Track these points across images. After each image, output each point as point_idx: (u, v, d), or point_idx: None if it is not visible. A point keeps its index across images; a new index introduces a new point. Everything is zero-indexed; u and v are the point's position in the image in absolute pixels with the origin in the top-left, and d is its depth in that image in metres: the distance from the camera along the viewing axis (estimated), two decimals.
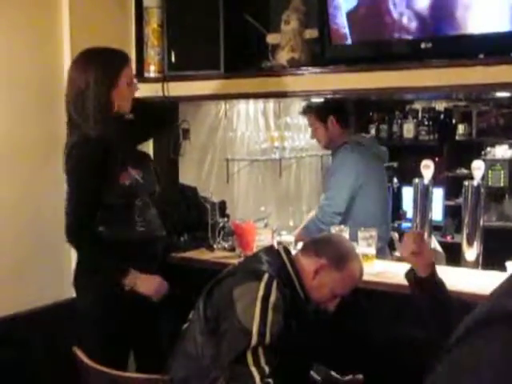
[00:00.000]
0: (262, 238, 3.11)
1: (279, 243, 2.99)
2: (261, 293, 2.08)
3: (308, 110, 3.73)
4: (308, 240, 2.52)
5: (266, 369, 1.99)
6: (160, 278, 2.68)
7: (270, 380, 1.99)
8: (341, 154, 3.55)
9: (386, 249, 3.55)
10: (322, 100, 3.65)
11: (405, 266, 3.00)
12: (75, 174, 2.56)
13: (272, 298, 2.08)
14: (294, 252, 2.47)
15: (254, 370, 1.98)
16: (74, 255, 3.11)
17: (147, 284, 2.62)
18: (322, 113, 3.61)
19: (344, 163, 3.48)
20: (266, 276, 2.14)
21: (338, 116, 3.60)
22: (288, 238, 3.18)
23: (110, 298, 2.61)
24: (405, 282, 2.71)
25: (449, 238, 5.56)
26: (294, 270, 2.27)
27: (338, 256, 2.28)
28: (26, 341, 2.87)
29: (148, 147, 3.56)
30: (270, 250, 2.39)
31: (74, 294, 3.10)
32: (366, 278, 2.78)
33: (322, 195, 3.71)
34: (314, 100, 3.72)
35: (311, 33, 3.03)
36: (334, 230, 3.02)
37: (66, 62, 3.05)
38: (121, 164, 2.59)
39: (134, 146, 2.92)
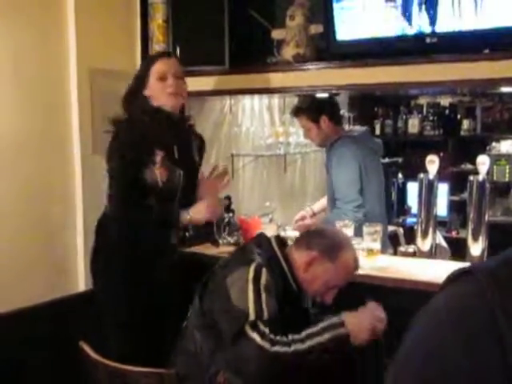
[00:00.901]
0: (267, 233, 3.11)
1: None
2: (251, 275, 2.09)
3: (299, 112, 3.68)
4: (301, 233, 2.51)
5: (267, 330, 1.99)
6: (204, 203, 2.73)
7: (272, 335, 1.98)
8: (339, 150, 3.51)
9: (387, 241, 3.55)
10: (310, 100, 3.64)
11: (409, 262, 3.02)
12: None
13: (262, 280, 2.09)
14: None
15: (254, 335, 1.98)
16: (80, 251, 3.14)
17: (199, 212, 2.68)
18: (314, 113, 3.58)
19: (343, 159, 3.46)
20: (255, 262, 2.16)
21: (330, 114, 3.58)
22: (293, 233, 3.18)
23: (126, 285, 2.70)
24: (409, 277, 2.72)
25: (454, 233, 5.56)
26: (286, 262, 2.26)
27: (330, 247, 2.26)
28: (31, 336, 2.88)
29: None
30: (260, 240, 2.36)
31: (80, 289, 3.14)
32: (370, 272, 2.80)
33: (331, 194, 3.64)
34: (300, 101, 3.73)
35: (316, 28, 3.04)
36: (338, 224, 3.02)
37: (72, 59, 3.07)
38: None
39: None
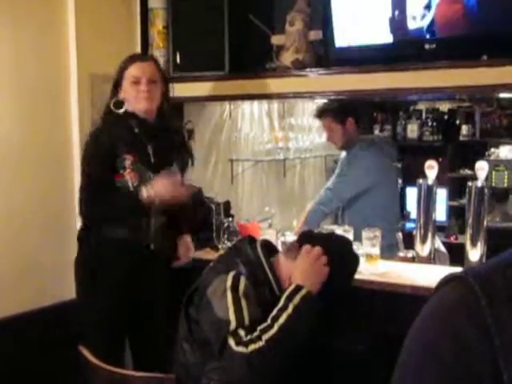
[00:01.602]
0: (266, 238, 3.12)
1: (283, 243, 3.01)
2: (229, 283, 2.03)
3: (325, 113, 3.71)
4: (292, 242, 2.39)
5: (243, 334, 1.93)
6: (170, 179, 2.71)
7: (244, 339, 1.92)
8: (354, 151, 3.60)
9: (395, 247, 3.55)
10: (335, 101, 3.66)
11: (409, 267, 3.02)
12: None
13: (241, 287, 2.03)
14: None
15: (232, 343, 1.92)
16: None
17: (155, 186, 2.65)
18: (340, 114, 3.62)
19: (357, 161, 3.55)
20: (233, 271, 2.09)
21: (355, 116, 3.65)
22: (292, 238, 3.19)
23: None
24: (409, 283, 2.73)
25: (452, 239, 5.56)
26: (272, 271, 2.18)
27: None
28: (28, 340, 2.88)
29: None
30: (243, 247, 2.25)
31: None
32: (370, 278, 2.80)
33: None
34: (322, 102, 3.74)
35: (315, 34, 3.05)
36: (338, 231, 3.02)
37: (72, 64, 3.08)
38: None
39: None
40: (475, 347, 0.70)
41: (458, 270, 0.85)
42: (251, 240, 2.31)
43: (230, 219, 3.51)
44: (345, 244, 2.33)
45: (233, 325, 1.95)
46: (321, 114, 3.74)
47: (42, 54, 2.97)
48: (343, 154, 3.80)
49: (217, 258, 2.34)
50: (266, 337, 1.92)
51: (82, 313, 2.81)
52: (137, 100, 2.72)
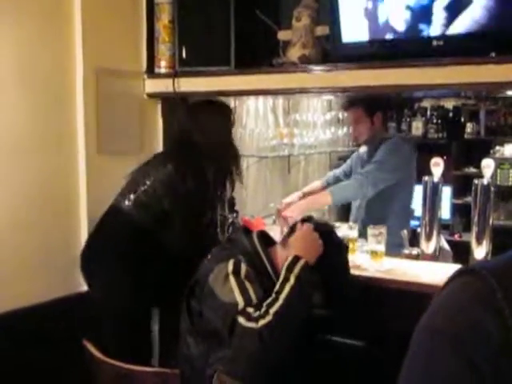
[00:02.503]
0: (271, 234, 3.11)
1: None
2: (230, 268, 2.07)
3: (356, 103, 3.68)
4: (288, 230, 2.39)
5: (252, 311, 1.96)
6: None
7: (254, 315, 1.96)
8: (394, 140, 3.62)
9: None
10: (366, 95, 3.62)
11: (414, 264, 3.01)
12: None
13: (242, 271, 2.07)
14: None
15: (243, 320, 1.95)
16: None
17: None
18: (371, 107, 3.62)
19: (398, 149, 3.56)
20: (233, 258, 2.13)
21: (383, 112, 3.67)
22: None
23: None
24: (413, 279, 2.72)
25: (456, 237, 5.56)
26: (269, 261, 2.22)
27: None
28: (35, 334, 2.88)
29: (158, 143, 3.57)
30: (240, 239, 2.29)
31: (84, 288, 3.14)
32: (374, 274, 2.80)
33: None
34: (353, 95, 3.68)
35: (322, 29, 3.04)
36: (343, 227, 3.02)
37: (78, 59, 3.07)
38: None
39: None
40: (493, 336, 0.71)
41: (462, 267, 0.85)
42: (247, 231, 2.36)
43: (235, 215, 3.50)
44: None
45: (241, 305, 1.98)
46: (351, 104, 3.71)
47: (48, 48, 2.96)
48: (363, 148, 3.77)
49: (213, 249, 2.35)
50: (272, 310, 1.96)
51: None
52: None
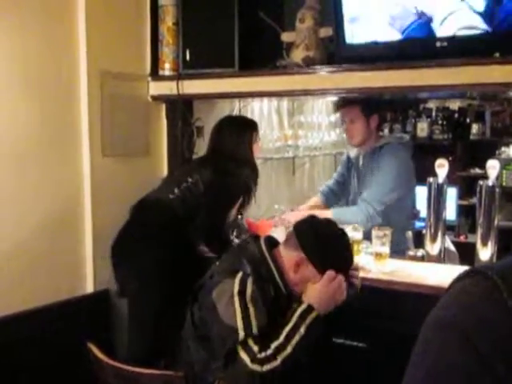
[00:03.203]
0: (276, 236, 3.11)
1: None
2: (236, 288, 2.07)
3: (352, 103, 3.50)
4: (291, 230, 2.38)
5: (256, 348, 2.00)
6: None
7: (259, 356, 1.99)
8: (390, 153, 3.43)
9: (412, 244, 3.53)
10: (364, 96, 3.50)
11: (419, 266, 3.01)
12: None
13: (248, 291, 2.07)
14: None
15: (244, 356, 1.99)
16: (88, 252, 3.14)
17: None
18: (369, 108, 3.47)
19: (398, 162, 3.42)
20: (240, 273, 2.13)
21: (380, 115, 3.56)
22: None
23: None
24: (418, 281, 2.72)
25: (462, 238, 5.54)
26: (275, 263, 2.21)
27: (324, 257, 2.21)
28: (39, 336, 2.89)
29: (162, 145, 3.58)
30: (248, 245, 2.30)
31: (87, 291, 3.15)
32: (379, 276, 2.79)
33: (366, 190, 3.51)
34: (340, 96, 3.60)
35: (326, 31, 3.03)
36: (347, 228, 3.01)
37: (82, 61, 3.07)
38: None
39: None
40: (503, 331, 0.72)
41: (467, 268, 0.85)
42: (255, 238, 2.35)
43: (240, 217, 3.50)
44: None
45: (241, 334, 2.01)
46: (347, 103, 3.54)
47: (52, 51, 2.97)
48: (353, 152, 3.69)
49: (223, 255, 2.37)
50: (281, 357, 2.01)
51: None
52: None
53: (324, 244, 2.22)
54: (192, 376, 2.19)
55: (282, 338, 2.04)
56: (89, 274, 3.17)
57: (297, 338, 2.04)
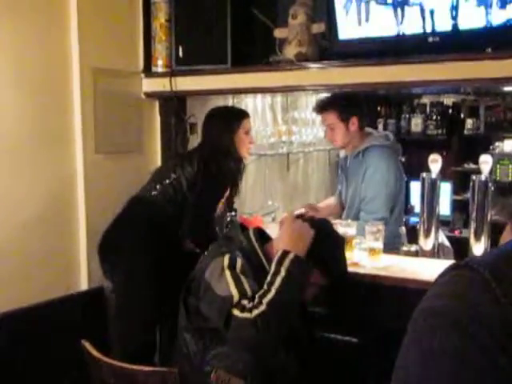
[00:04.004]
0: (269, 232, 3.11)
1: None
2: (226, 262, 2.11)
3: (328, 107, 3.42)
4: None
5: (246, 303, 2.02)
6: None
7: (248, 305, 2.01)
8: (375, 162, 3.38)
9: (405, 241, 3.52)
10: (340, 96, 3.44)
11: (412, 261, 3.01)
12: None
13: (238, 265, 2.11)
14: None
15: (237, 312, 2.01)
16: (82, 249, 3.14)
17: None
18: (345, 112, 3.37)
19: (382, 170, 3.36)
20: (228, 253, 2.17)
21: (359, 117, 3.41)
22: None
23: None
24: (412, 276, 2.72)
25: (457, 233, 5.55)
26: (265, 257, 2.24)
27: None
28: (33, 334, 2.89)
29: (156, 142, 3.57)
30: (236, 236, 2.33)
31: (82, 288, 3.15)
32: (373, 271, 2.79)
33: (358, 201, 3.48)
34: (328, 95, 3.52)
35: (319, 27, 3.03)
36: (340, 224, 3.02)
37: (75, 59, 3.06)
38: None
39: None
40: (493, 316, 0.73)
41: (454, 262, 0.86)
42: (243, 228, 2.40)
43: (233, 213, 3.50)
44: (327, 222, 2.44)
45: (236, 298, 2.03)
46: (323, 107, 3.45)
47: (44, 47, 2.96)
48: (342, 153, 3.68)
49: (211, 246, 2.39)
50: (265, 300, 2.02)
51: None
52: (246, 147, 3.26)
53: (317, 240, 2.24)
54: (188, 368, 2.19)
55: (265, 286, 2.07)
56: (83, 271, 3.17)
57: (278, 280, 2.06)
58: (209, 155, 3.10)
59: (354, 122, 3.39)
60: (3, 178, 2.81)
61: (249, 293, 2.05)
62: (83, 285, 3.18)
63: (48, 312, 2.97)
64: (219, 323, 2.05)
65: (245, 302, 2.02)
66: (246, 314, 1.99)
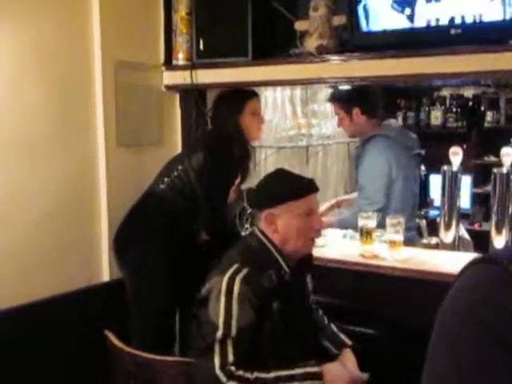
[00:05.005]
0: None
1: None
2: (224, 287, 2.07)
3: (332, 100, 3.68)
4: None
5: (231, 358, 1.98)
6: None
7: (231, 368, 1.97)
8: (371, 150, 3.48)
9: (416, 237, 3.53)
10: (347, 88, 3.59)
11: (433, 253, 3.01)
12: None
13: (235, 290, 2.07)
14: None
15: (216, 359, 1.98)
16: (104, 242, 3.17)
17: None
18: (346, 104, 3.55)
19: (375, 159, 3.43)
20: (231, 269, 2.12)
21: (362, 107, 3.52)
22: None
23: None
24: (432, 269, 2.72)
25: (476, 226, 5.53)
26: (266, 238, 2.25)
27: (269, 197, 2.28)
28: (56, 325, 2.92)
29: (176, 135, 3.59)
30: (246, 240, 2.38)
31: (104, 279, 3.18)
32: (393, 264, 2.80)
33: (357, 193, 3.64)
34: (340, 88, 3.65)
35: (340, 19, 3.02)
36: (360, 218, 3.02)
37: (97, 52, 3.08)
38: None
39: None
40: None
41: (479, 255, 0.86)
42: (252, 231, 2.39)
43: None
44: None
45: (219, 333, 2.01)
46: (330, 99, 3.72)
47: (67, 42, 2.98)
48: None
49: (229, 250, 2.35)
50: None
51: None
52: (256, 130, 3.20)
53: (265, 184, 2.36)
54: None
55: (271, 375, 2.01)
56: (104, 263, 3.20)
57: None
58: (214, 141, 3.06)
59: (357, 112, 3.53)
60: (25, 170, 2.84)
61: (233, 331, 2.01)
62: (105, 276, 3.21)
63: (70, 303, 3.00)
64: (199, 344, 2.08)
65: (230, 349, 1.99)
66: (221, 375, 1.96)
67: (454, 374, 0.76)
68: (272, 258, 2.23)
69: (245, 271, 2.11)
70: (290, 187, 2.28)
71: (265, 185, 2.37)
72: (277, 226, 2.23)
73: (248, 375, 1.98)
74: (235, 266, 2.12)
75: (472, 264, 0.83)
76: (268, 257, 2.23)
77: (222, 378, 1.96)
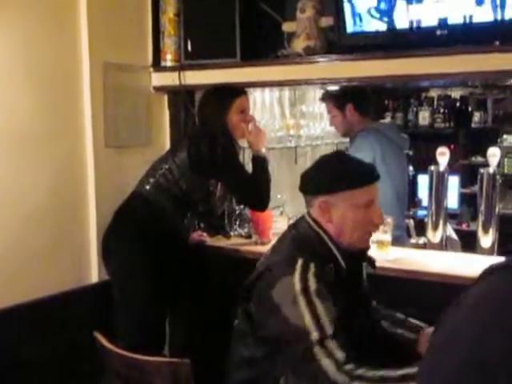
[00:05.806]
0: (278, 226, 3.14)
1: None
2: (297, 287, 1.89)
3: (326, 98, 3.72)
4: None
5: (341, 355, 1.80)
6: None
7: (349, 366, 1.79)
8: (357, 141, 3.54)
9: (405, 237, 3.54)
10: (340, 87, 3.62)
11: (420, 253, 3.02)
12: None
13: (312, 286, 1.89)
14: None
15: (326, 362, 1.80)
16: (93, 242, 3.17)
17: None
18: (340, 100, 3.59)
19: (359, 149, 3.42)
20: (298, 265, 1.94)
21: (356, 103, 3.57)
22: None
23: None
24: (420, 269, 2.73)
25: (464, 226, 5.55)
26: (321, 228, 2.05)
27: (327, 182, 2.04)
28: (44, 326, 2.92)
29: (165, 135, 3.59)
30: (297, 228, 2.14)
31: (92, 281, 3.18)
32: (381, 264, 2.80)
33: None
34: (332, 87, 3.66)
35: (327, 21, 3.04)
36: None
37: (85, 53, 3.08)
38: None
39: None
40: None
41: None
42: (300, 218, 2.19)
43: (242, 206, 3.52)
44: None
45: (315, 335, 1.83)
46: (323, 97, 3.76)
47: (54, 43, 2.98)
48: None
49: (273, 245, 2.19)
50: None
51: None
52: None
53: (323, 168, 2.11)
54: (252, 373, 2.07)
55: (396, 373, 1.76)
56: (93, 264, 3.19)
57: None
58: (198, 137, 2.99)
59: (350, 109, 3.58)
60: (13, 172, 2.83)
61: (328, 330, 1.83)
62: (94, 277, 3.20)
63: (59, 304, 3.00)
64: (289, 353, 1.90)
65: (333, 346, 1.81)
66: (342, 377, 1.77)
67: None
68: (329, 250, 2.04)
69: (312, 268, 1.93)
70: (350, 174, 2.04)
71: (322, 168, 2.12)
72: (331, 215, 2.02)
73: (370, 374, 1.78)
74: (300, 263, 1.94)
75: (495, 269, 0.83)
76: (325, 249, 2.04)
77: (344, 379, 1.77)
